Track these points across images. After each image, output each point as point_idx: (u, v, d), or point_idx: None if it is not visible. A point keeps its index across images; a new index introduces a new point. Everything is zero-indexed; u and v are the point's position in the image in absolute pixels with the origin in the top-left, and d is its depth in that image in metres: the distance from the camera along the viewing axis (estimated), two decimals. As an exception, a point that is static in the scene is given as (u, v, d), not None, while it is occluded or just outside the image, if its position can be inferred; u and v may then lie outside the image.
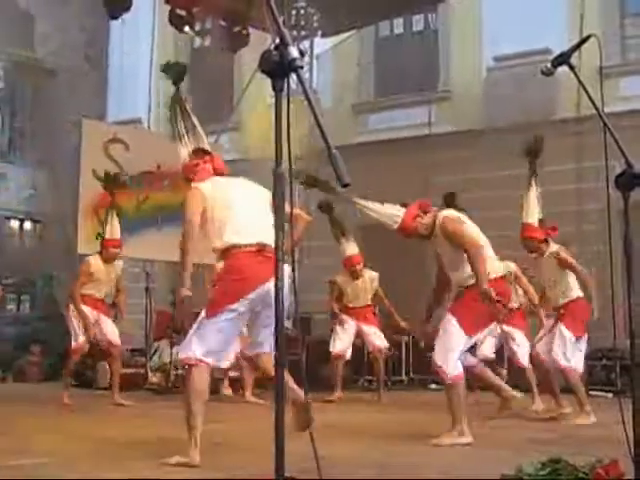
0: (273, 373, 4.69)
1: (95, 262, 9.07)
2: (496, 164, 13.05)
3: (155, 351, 12.12)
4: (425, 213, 6.10)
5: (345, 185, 2.34)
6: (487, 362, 9.32)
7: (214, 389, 9.57)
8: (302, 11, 14.73)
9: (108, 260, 9.11)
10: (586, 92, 3.73)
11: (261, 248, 4.74)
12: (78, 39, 17.09)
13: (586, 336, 7.44)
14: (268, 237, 4.70)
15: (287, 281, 4.82)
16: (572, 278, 7.39)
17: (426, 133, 14.68)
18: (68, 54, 16.58)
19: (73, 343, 8.97)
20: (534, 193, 7.24)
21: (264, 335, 4.91)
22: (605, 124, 3.59)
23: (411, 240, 6.01)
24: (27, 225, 19.11)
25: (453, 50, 15.30)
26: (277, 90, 2.42)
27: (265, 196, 5.01)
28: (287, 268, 4.80)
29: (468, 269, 5.81)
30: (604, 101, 3.73)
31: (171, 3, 13.07)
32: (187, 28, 13.45)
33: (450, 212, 6.12)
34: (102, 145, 12.65)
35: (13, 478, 3.95)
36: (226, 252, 4.82)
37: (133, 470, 4.38)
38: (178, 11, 13.33)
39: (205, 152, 5.51)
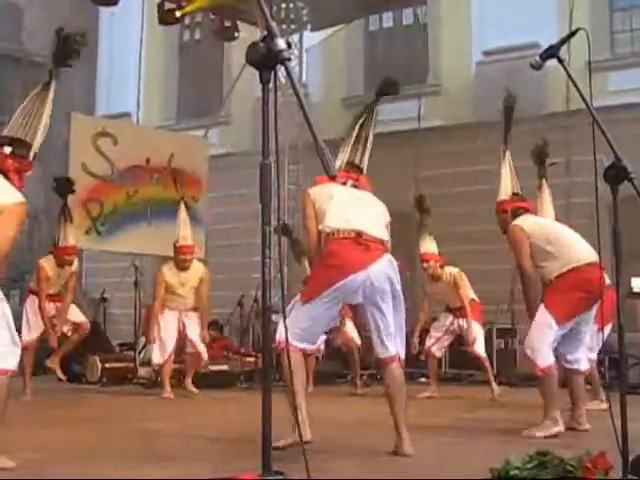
0: (392, 389, 4.79)
1: (49, 266, 8.97)
2: (486, 158, 13.05)
3: (144, 345, 12.08)
4: (515, 217, 6.17)
5: (333, 177, 2.33)
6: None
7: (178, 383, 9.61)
8: (291, 5, 14.69)
9: (61, 265, 9.01)
10: (575, 86, 3.74)
11: (358, 234, 4.72)
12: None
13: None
14: (368, 226, 4.80)
15: (394, 272, 4.84)
16: None
17: (416, 127, 14.67)
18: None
19: (25, 338, 8.47)
20: (547, 195, 7.20)
21: (382, 334, 4.82)
22: (594, 118, 3.60)
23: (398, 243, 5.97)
24: (16, 219, 19.02)
25: (442, 44, 15.29)
26: (264, 82, 2.41)
27: (381, 205, 5.12)
28: (390, 258, 4.83)
29: (556, 263, 5.84)
30: (593, 95, 3.73)
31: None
32: (179, 13, 13.32)
33: (518, 221, 6.13)
34: (91, 139, 12.60)
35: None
36: (325, 238, 4.79)
37: (122, 467, 4.37)
38: (167, 5, 13.28)
39: (356, 167, 5.39)
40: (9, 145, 4.50)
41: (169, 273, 9.29)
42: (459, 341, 9.70)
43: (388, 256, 4.82)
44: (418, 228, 9.71)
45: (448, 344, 9.74)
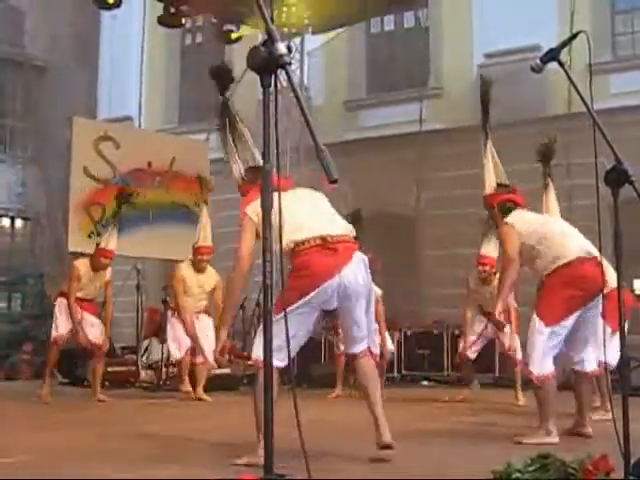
0: (366, 381, 4.72)
1: (83, 267, 9.07)
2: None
3: (146, 349, 12.10)
4: (504, 212, 6.08)
5: (333, 181, 2.33)
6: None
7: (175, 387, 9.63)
8: (293, 8, 14.70)
9: (96, 268, 9.11)
10: (575, 89, 3.74)
11: (323, 239, 4.64)
12: (68, 36, 17.05)
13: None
14: (329, 227, 4.73)
15: (365, 271, 4.78)
16: None
17: (417, 130, 14.68)
18: (58, 51, 16.54)
19: (54, 333, 9.06)
20: (553, 195, 7.13)
21: (354, 333, 4.80)
22: (594, 121, 3.60)
23: (403, 233, 5.95)
24: (18, 223, 19.07)
25: (444, 47, 15.30)
26: (265, 86, 2.42)
27: (318, 194, 5.03)
28: (361, 256, 4.77)
29: (545, 260, 5.76)
30: (594, 97, 3.74)
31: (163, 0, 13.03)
32: (183, 20, 13.38)
33: (510, 219, 6.01)
34: (93, 143, 12.63)
35: None
36: (291, 253, 4.64)
37: (121, 469, 4.37)
38: (169, 8, 13.30)
39: (257, 170, 5.25)
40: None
41: (186, 270, 9.40)
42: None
43: (358, 254, 4.73)
44: (485, 228, 9.33)
45: (481, 347, 9.46)
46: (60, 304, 9.13)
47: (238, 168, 5.40)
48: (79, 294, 9.03)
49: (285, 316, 4.40)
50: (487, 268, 9.08)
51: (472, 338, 9.29)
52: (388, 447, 4.62)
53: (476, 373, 9.88)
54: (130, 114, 17.17)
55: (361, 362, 4.82)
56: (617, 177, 3.51)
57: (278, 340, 4.53)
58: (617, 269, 3.72)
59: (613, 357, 6.62)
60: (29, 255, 18.24)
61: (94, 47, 18.69)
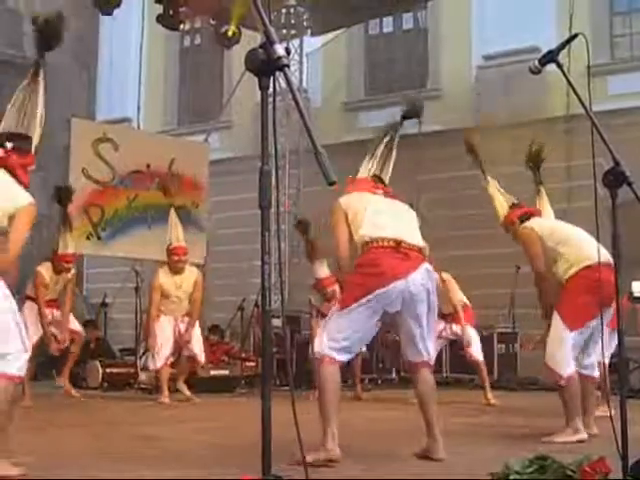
0: (423, 393, 4.79)
1: (46, 272, 8.99)
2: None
3: (145, 350, 12.09)
4: (522, 222, 6.19)
5: (331, 183, 2.33)
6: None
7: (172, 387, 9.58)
8: (292, 10, 14.73)
9: (59, 272, 9.04)
10: (573, 90, 3.74)
11: (398, 243, 4.69)
12: (67, 38, 17.02)
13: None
14: (406, 235, 4.78)
15: (431, 281, 4.81)
16: None
17: (415, 131, 14.65)
18: (57, 53, 16.50)
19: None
20: (545, 200, 7.15)
21: (415, 341, 4.81)
22: (593, 122, 3.60)
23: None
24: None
25: (443, 48, 15.31)
26: (263, 88, 2.42)
27: (411, 211, 5.15)
28: (428, 266, 4.82)
29: (566, 264, 5.81)
30: (593, 99, 3.74)
31: (162, 2, 13.03)
32: (182, 26, 13.41)
33: (528, 224, 6.13)
34: (92, 144, 12.63)
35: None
36: (364, 246, 4.73)
37: (120, 470, 4.37)
38: (168, 10, 13.30)
39: (381, 180, 5.35)
40: (10, 141, 4.43)
41: (164, 277, 9.31)
42: (459, 346, 9.65)
43: (426, 265, 4.80)
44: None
45: (440, 349, 9.55)
46: (29, 309, 8.79)
47: (366, 169, 5.47)
48: (48, 297, 8.98)
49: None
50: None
51: None
52: (438, 461, 4.67)
53: (471, 374, 9.93)
54: (129, 115, 17.17)
55: (421, 372, 4.86)
56: (615, 178, 3.51)
57: (343, 334, 4.63)
58: (615, 271, 3.72)
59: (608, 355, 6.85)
60: (28, 258, 18.21)
61: (93, 49, 18.69)
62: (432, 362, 4.95)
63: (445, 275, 9.30)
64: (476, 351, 9.29)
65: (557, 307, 5.82)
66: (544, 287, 5.95)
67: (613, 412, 6.39)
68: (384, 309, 4.69)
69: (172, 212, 9.74)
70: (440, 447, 4.72)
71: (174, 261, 9.29)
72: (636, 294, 10.19)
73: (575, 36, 3.81)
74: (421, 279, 4.71)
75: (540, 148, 6.93)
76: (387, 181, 5.39)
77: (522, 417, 7.44)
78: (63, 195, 9.21)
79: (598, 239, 4.92)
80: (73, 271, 9.24)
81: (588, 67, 4.07)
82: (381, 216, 4.85)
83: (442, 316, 9.28)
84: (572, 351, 5.74)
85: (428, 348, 4.86)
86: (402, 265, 4.65)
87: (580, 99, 3.70)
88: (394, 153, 5.55)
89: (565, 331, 5.69)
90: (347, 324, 4.64)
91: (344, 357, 4.71)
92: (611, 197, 3.55)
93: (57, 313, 9.10)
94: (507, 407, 8.54)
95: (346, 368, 10.81)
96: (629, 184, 3.48)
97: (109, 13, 12.91)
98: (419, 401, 4.90)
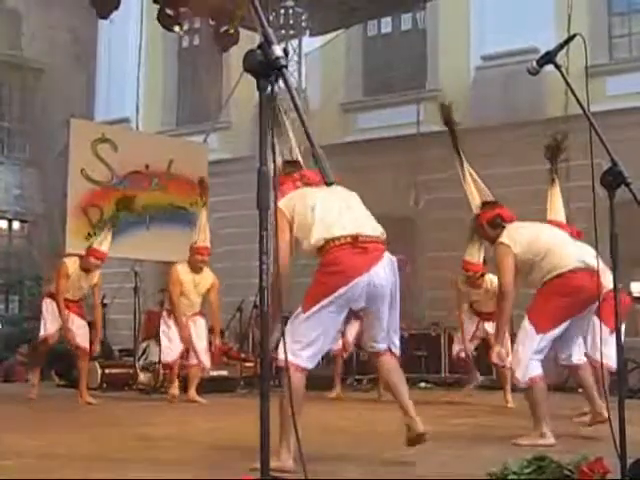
0: (389, 376, 4.71)
1: (72, 265, 9.03)
2: (484, 162, 13.06)
3: (144, 351, 12.09)
4: (494, 227, 6.02)
5: (330, 184, 2.34)
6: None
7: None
8: (290, 10, 14.72)
9: (85, 269, 9.08)
10: (571, 91, 3.75)
11: (354, 239, 4.60)
12: (66, 38, 17.05)
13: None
14: (361, 227, 4.68)
15: (394, 271, 4.73)
16: None
17: (415, 132, 14.68)
18: (56, 53, 16.54)
19: (42, 332, 9.05)
20: (558, 190, 7.13)
21: (376, 332, 4.76)
22: (591, 123, 3.60)
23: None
24: (15, 225, 19.06)
25: (441, 49, 15.31)
26: (261, 89, 2.42)
27: (352, 194, 4.98)
28: (390, 257, 4.76)
29: (542, 272, 5.75)
30: (591, 100, 3.74)
31: (160, 2, 13.05)
32: (177, 28, 13.45)
33: (505, 239, 5.91)
34: (90, 145, 12.63)
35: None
36: (321, 249, 4.63)
37: (119, 471, 4.37)
38: (167, 10, 13.32)
39: (296, 164, 5.24)
40: None
41: (183, 273, 9.32)
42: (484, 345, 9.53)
43: (387, 255, 4.71)
44: (469, 233, 9.40)
45: (472, 350, 9.46)
46: (47, 305, 9.10)
47: (275, 164, 5.26)
48: (67, 295, 8.99)
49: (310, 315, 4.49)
50: (471, 274, 9.03)
51: (467, 338, 9.32)
52: (422, 436, 4.60)
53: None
54: (128, 116, 17.17)
55: (383, 359, 4.80)
56: (613, 179, 3.51)
57: (307, 338, 4.55)
58: (613, 271, 3.73)
59: (612, 357, 6.77)
60: (27, 257, 18.22)
61: (92, 49, 18.69)
62: (397, 353, 4.83)
63: (496, 279, 9.16)
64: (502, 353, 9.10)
65: (527, 310, 5.80)
66: (504, 306, 5.88)
67: (611, 412, 6.43)
68: (349, 306, 4.63)
69: (203, 212, 9.76)
70: (418, 421, 4.62)
71: (197, 260, 9.30)
72: (635, 294, 10.21)
73: (573, 37, 3.81)
74: (383, 271, 4.63)
75: (562, 139, 6.88)
76: (299, 157, 5.29)
77: (520, 418, 7.43)
78: (122, 204, 9.58)
79: (596, 240, 4.93)
80: (99, 277, 9.25)
81: (586, 68, 4.07)
82: (330, 213, 4.70)
83: (477, 313, 9.23)
84: (538, 355, 5.65)
85: (392, 340, 4.79)
86: (362, 260, 4.55)
87: (578, 100, 3.70)
88: (287, 123, 5.34)
89: (532, 334, 5.64)
90: (313, 327, 4.51)
91: (311, 364, 4.56)
92: (609, 197, 3.55)
93: (72, 316, 9.07)
94: (506, 408, 8.54)
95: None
96: (627, 185, 3.48)
97: (105, 17, 12.95)
98: (386, 385, 4.88)
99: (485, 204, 6.24)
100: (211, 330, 11.82)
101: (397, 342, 4.85)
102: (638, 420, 3.96)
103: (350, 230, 4.64)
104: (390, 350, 4.79)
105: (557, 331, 5.68)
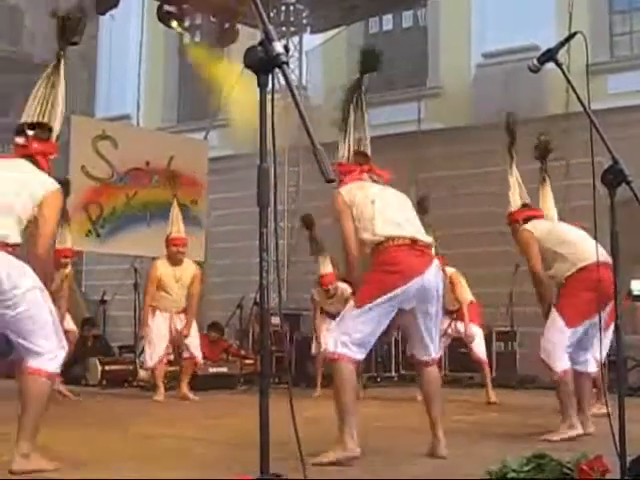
0: (428, 389, 4.85)
1: None
2: (485, 160, 13.07)
3: (143, 347, 12.09)
4: (525, 222, 6.21)
5: (329, 180, 2.33)
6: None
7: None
8: (291, 7, 14.72)
9: (57, 268, 8.84)
10: (572, 89, 3.73)
11: (414, 241, 4.72)
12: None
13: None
14: (417, 232, 4.80)
15: (440, 278, 4.85)
16: None
17: (416, 129, 14.68)
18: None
19: None
20: (549, 189, 7.18)
21: (421, 338, 4.85)
22: (591, 121, 3.60)
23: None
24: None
25: (442, 47, 15.29)
26: (261, 85, 2.42)
27: (408, 200, 5.11)
28: (438, 263, 4.84)
29: (565, 265, 5.85)
30: (592, 97, 3.73)
31: (160, -1, 13.07)
32: (175, 24, 13.45)
33: (526, 226, 6.16)
34: (91, 142, 12.63)
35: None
36: (379, 245, 4.72)
37: (118, 469, 4.37)
38: (167, 7, 13.33)
39: (365, 156, 5.32)
40: (30, 129, 4.51)
41: (162, 267, 9.27)
42: (461, 344, 9.63)
43: (436, 261, 4.86)
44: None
45: (445, 347, 9.53)
46: None
47: (346, 147, 5.29)
48: None
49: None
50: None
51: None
52: (441, 458, 4.70)
53: (469, 372, 9.91)
54: (128, 113, 17.16)
55: (427, 371, 4.90)
56: (614, 177, 3.51)
57: (359, 333, 4.62)
58: (614, 270, 3.72)
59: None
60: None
61: (92, 46, 18.66)
62: (437, 359, 5.00)
63: (451, 270, 9.29)
64: (480, 350, 9.28)
65: (556, 305, 5.87)
66: (541, 290, 5.99)
67: (610, 410, 6.45)
68: (400, 306, 4.71)
69: (174, 204, 9.70)
70: (441, 445, 4.74)
71: (173, 252, 9.25)
72: (635, 292, 10.20)
73: (574, 34, 3.79)
74: (434, 276, 4.76)
75: (548, 140, 6.99)
76: (369, 149, 5.34)
77: (520, 415, 7.44)
78: (62, 189, 9.23)
79: (596, 238, 4.92)
80: (70, 268, 9.19)
81: (587, 65, 4.06)
82: (389, 211, 4.82)
83: (447, 312, 9.26)
84: (568, 349, 5.78)
85: (436, 346, 4.92)
86: (419, 262, 4.69)
87: (579, 97, 3.69)
88: (366, 116, 5.47)
89: (563, 328, 5.74)
90: (365, 323, 4.62)
91: (361, 355, 4.71)
92: (610, 196, 3.54)
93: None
94: (506, 405, 8.54)
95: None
96: (628, 183, 3.47)
97: (102, 13, 12.94)
98: (425, 399, 4.93)
99: (525, 205, 6.44)
100: (212, 326, 11.82)
101: (438, 346, 4.99)
102: (638, 418, 3.94)
103: (409, 232, 4.76)
104: (435, 360, 4.92)
105: (585, 326, 5.77)
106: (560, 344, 5.73)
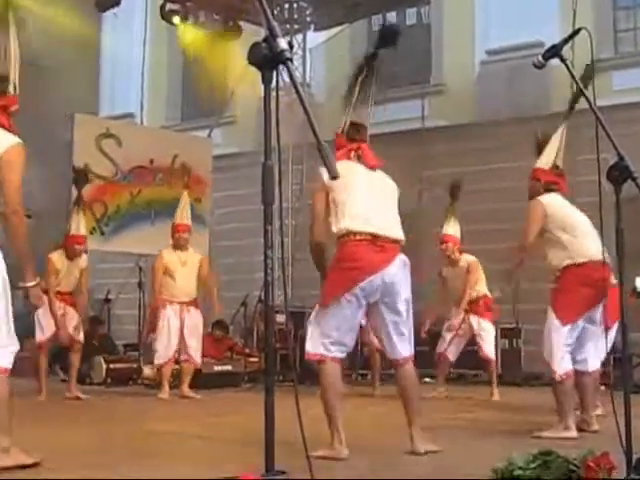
0: (403, 390, 4.76)
1: (58, 259, 8.94)
2: (489, 157, 13.06)
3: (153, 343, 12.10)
4: (545, 190, 6.02)
5: (334, 177, 2.33)
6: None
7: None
8: (295, 5, 14.70)
9: (71, 257, 9.00)
10: (577, 84, 3.73)
11: (375, 238, 4.66)
12: (70, 33, 17.01)
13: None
14: (385, 228, 4.73)
15: (406, 274, 4.78)
16: None
17: (419, 127, 14.66)
18: (60, 48, 16.51)
19: (39, 336, 8.76)
20: None
21: (391, 335, 4.81)
22: (597, 117, 3.59)
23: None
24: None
25: (446, 44, 15.27)
26: (266, 82, 2.41)
27: (392, 189, 5.01)
28: (404, 259, 4.79)
29: (563, 253, 5.77)
30: (597, 94, 3.72)
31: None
32: (176, 19, 13.46)
33: (542, 198, 5.95)
34: (95, 140, 12.65)
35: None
36: (341, 239, 4.71)
37: (123, 467, 4.37)
38: (170, 5, 13.34)
39: (361, 131, 5.25)
40: None
41: (167, 255, 9.27)
42: (468, 341, 9.55)
43: (401, 257, 4.78)
44: (446, 211, 9.57)
45: (462, 347, 9.47)
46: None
47: (345, 119, 5.26)
48: (58, 287, 8.92)
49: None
50: (449, 245, 9.28)
51: (449, 336, 9.32)
52: (420, 454, 4.67)
53: (475, 370, 9.89)
54: (132, 111, 17.15)
55: (401, 369, 4.86)
56: (619, 173, 3.50)
57: (335, 331, 4.62)
58: (619, 266, 3.71)
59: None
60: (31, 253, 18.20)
61: (95, 44, 18.64)
62: (412, 356, 4.90)
63: (470, 258, 9.24)
64: (488, 349, 9.21)
65: (551, 301, 5.82)
66: (520, 249, 5.97)
67: (601, 411, 6.43)
68: (367, 301, 4.69)
69: (185, 194, 9.77)
70: (418, 442, 4.70)
71: (175, 238, 9.31)
72: (639, 289, 10.18)
73: (579, 30, 3.78)
74: (396, 271, 4.70)
75: (543, 138, 6.93)
76: (368, 123, 5.31)
77: (526, 413, 7.43)
78: (80, 176, 9.42)
79: (602, 234, 4.90)
80: (86, 260, 9.18)
81: (592, 62, 4.05)
82: (359, 204, 4.74)
83: (459, 306, 9.21)
84: (568, 348, 5.71)
85: (407, 344, 4.85)
86: (379, 258, 4.64)
87: (584, 93, 3.69)
88: (373, 89, 5.37)
89: (559, 327, 5.68)
90: (337, 321, 4.65)
91: (341, 354, 4.72)
92: (615, 192, 3.53)
93: (69, 309, 9.02)
94: (511, 403, 8.52)
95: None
96: (634, 179, 3.47)
97: (103, 10, 12.95)
98: (401, 397, 4.88)
99: (556, 168, 6.17)
100: (217, 324, 11.78)
101: (412, 343, 4.90)
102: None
103: (373, 227, 4.69)
104: (408, 358, 4.85)
105: (581, 322, 5.71)
106: (558, 344, 5.67)
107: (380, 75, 5.18)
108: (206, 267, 9.41)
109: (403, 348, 4.81)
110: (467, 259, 9.26)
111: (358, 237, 4.66)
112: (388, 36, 5.23)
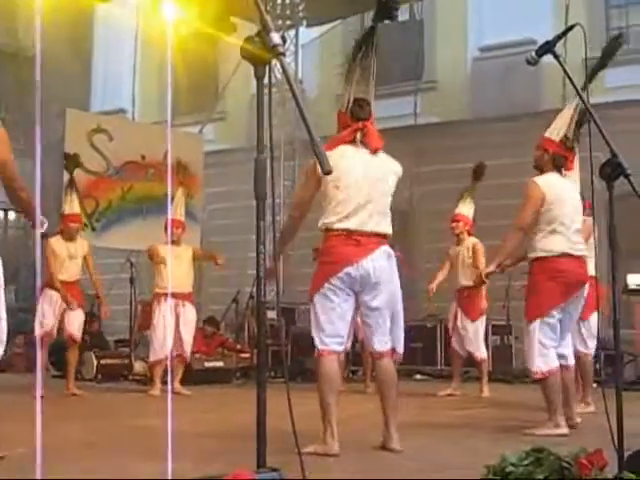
0: (382, 386, 4.78)
1: (56, 242, 8.93)
2: (482, 154, 13.05)
3: (140, 341, 12.08)
4: (551, 163, 5.80)
5: (327, 172, 2.32)
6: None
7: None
8: (287, 1, 14.69)
9: (69, 237, 8.99)
10: (571, 81, 3.72)
11: (350, 233, 4.70)
12: (61, 29, 16.95)
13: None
14: (364, 223, 4.73)
15: (390, 265, 4.79)
16: None
17: (412, 123, 14.66)
18: (52, 43, 16.45)
19: (38, 329, 8.74)
20: None
21: (375, 329, 4.84)
22: (590, 113, 3.59)
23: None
24: (11, 215, 19.00)
25: (439, 40, 15.28)
26: (259, 77, 2.40)
27: (392, 173, 5.00)
28: (387, 250, 4.80)
29: (541, 241, 5.71)
30: (589, 92, 3.72)
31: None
32: (172, 16, 13.39)
33: (540, 181, 5.76)
34: (86, 135, 12.62)
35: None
36: (323, 233, 4.82)
37: (115, 463, 4.36)
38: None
39: (365, 109, 5.13)
40: None
41: (161, 247, 9.29)
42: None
43: (384, 248, 4.79)
44: (463, 190, 9.53)
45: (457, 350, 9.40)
46: (45, 295, 8.85)
47: (347, 96, 5.17)
48: (63, 277, 8.89)
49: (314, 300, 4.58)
50: (460, 225, 9.34)
51: (450, 325, 9.39)
52: (395, 451, 4.69)
53: (467, 367, 9.90)
54: (124, 106, 17.11)
55: (381, 363, 4.85)
56: (612, 170, 3.50)
57: (328, 324, 4.64)
58: (612, 263, 3.71)
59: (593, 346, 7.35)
60: (22, 248, 18.17)
61: (88, 40, 18.60)
62: (399, 351, 4.96)
63: (474, 240, 9.25)
64: (471, 347, 9.18)
65: (525, 299, 5.83)
66: (510, 237, 5.89)
67: (593, 408, 6.44)
68: (352, 291, 4.73)
69: (180, 190, 9.79)
70: (394, 439, 4.71)
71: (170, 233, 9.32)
72: (631, 286, 10.20)
73: (573, 26, 3.77)
74: (375, 263, 4.70)
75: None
76: (372, 97, 5.20)
77: (518, 409, 7.43)
78: (70, 161, 9.63)
79: (594, 231, 4.90)
80: (87, 246, 9.19)
81: (585, 59, 4.05)
82: (347, 200, 4.73)
83: (458, 293, 9.23)
84: (550, 342, 5.65)
85: (392, 337, 4.87)
86: (353, 252, 4.68)
87: (577, 89, 3.68)
88: (374, 65, 5.20)
89: (527, 323, 5.69)
90: (328, 314, 4.69)
91: (339, 347, 4.73)
92: (608, 189, 3.53)
93: (70, 300, 8.99)
94: (502, 399, 8.53)
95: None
96: (626, 176, 3.46)
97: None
98: (378, 392, 4.90)
99: (567, 141, 5.81)
100: (208, 320, 11.75)
101: (400, 340, 4.95)
102: (633, 412, 3.93)
103: (350, 224, 4.71)
104: (391, 352, 4.86)
105: (554, 314, 5.65)
106: (531, 342, 5.63)
107: (379, 51, 5.07)
108: (198, 250, 9.90)
109: (379, 342, 4.82)
110: (472, 240, 9.29)
111: (335, 233, 4.73)
112: (386, 9, 5.10)
